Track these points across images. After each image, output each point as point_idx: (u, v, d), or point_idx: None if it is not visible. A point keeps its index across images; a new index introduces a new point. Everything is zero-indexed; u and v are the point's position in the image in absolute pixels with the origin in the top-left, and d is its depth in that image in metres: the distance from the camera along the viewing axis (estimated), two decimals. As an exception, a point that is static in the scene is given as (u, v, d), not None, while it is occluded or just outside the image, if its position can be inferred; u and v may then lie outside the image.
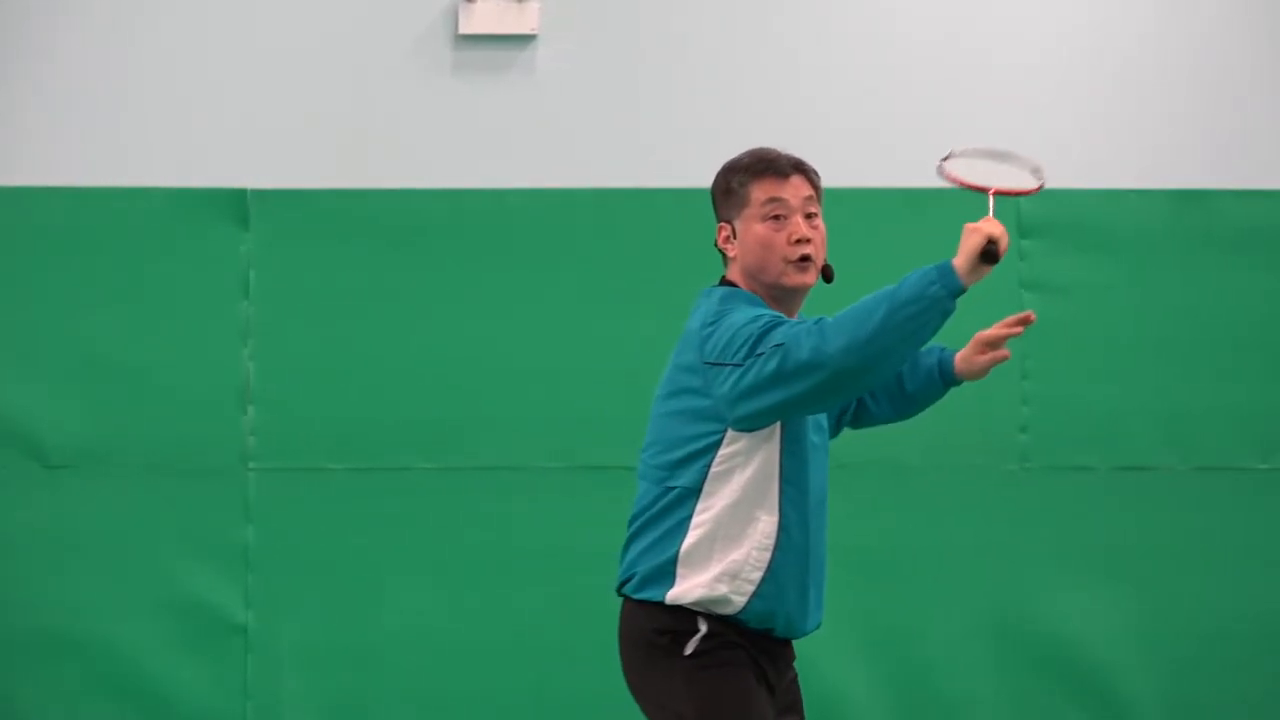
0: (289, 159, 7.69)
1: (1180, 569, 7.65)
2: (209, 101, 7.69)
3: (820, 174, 4.58)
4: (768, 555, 4.27)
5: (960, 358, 4.67)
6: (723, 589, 4.26)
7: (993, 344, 4.60)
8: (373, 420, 7.54)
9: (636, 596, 4.39)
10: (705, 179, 7.35)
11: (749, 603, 4.27)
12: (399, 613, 7.52)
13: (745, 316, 4.24)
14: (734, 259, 4.41)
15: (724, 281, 4.45)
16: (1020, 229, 7.67)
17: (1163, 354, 7.71)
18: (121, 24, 7.69)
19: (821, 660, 7.47)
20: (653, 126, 7.72)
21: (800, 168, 4.44)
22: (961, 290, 4.12)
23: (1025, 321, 4.53)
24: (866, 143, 7.79)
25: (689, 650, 4.29)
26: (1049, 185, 7.49)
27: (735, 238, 4.41)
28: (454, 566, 7.43)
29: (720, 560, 4.26)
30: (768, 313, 4.26)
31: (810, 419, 4.34)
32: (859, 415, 4.76)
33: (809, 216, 4.40)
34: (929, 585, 7.62)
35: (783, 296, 4.39)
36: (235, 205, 7.64)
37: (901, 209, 7.72)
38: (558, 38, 7.72)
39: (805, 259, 4.37)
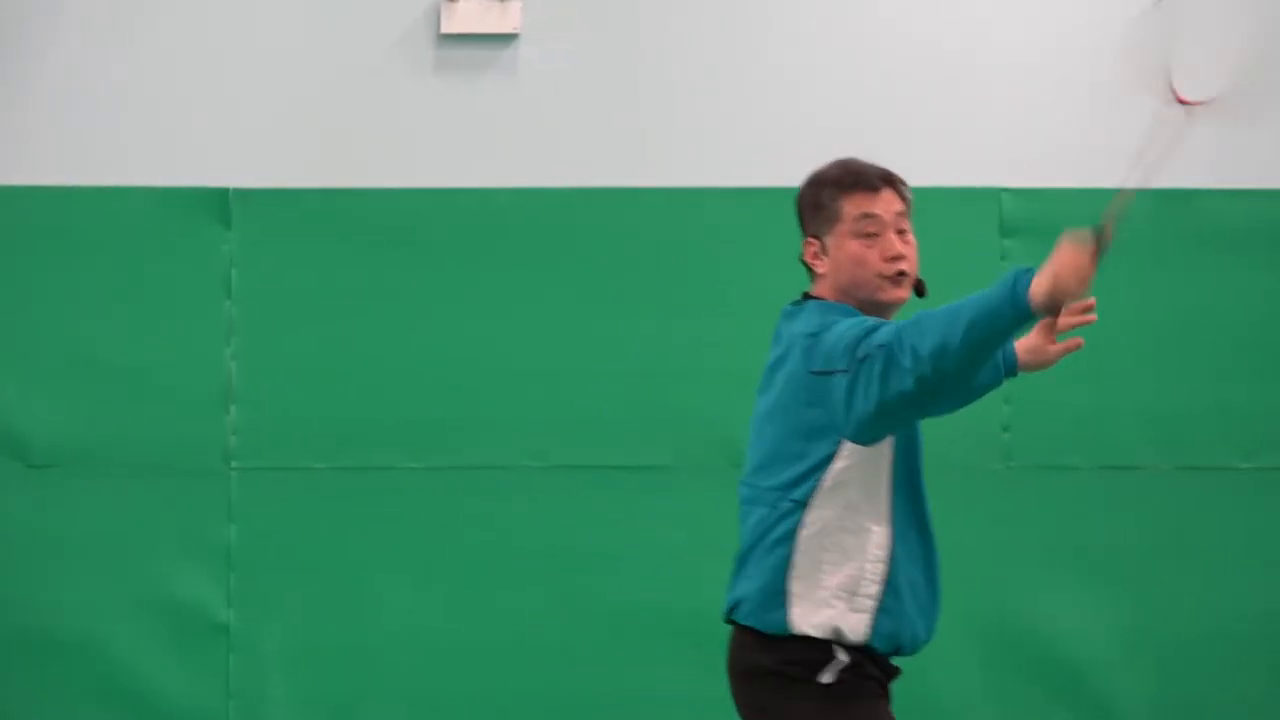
0: (271, 158, 7.71)
1: (1165, 569, 7.67)
2: (191, 101, 7.72)
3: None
4: (883, 568, 4.18)
5: (1025, 348, 4.60)
6: (841, 606, 4.14)
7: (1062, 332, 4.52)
8: (356, 420, 7.55)
9: (752, 624, 4.22)
10: (689, 177, 7.55)
11: (874, 621, 4.17)
12: (383, 613, 7.53)
13: (848, 323, 4.15)
14: (823, 275, 4.33)
15: (809, 296, 4.35)
16: (1002, 228, 7.71)
17: (1147, 353, 7.73)
18: (103, 24, 7.71)
19: (805, 660, 7.52)
20: (636, 125, 7.74)
21: (890, 180, 4.38)
22: (1031, 317, 3.92)
23: (1090, 308, 4.50)
24: (855, 142, 7.57)
25: (826, 679, 4.15)
26: (1036, 183, 7.61)
27: (825, 254, 4.32)
28: (438, 566, 7.45)
29: (833, 575, 4.15)
30: (868, 318, 4.16)
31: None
32: None
33: (900, 231, 4.34)
34: None
35: (876, 312, 4.30)
36: (217, 204, 7.65)
37: None
38: (540, 37, 7.73)
39: (901, 275, 4.30)
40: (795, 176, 7.58)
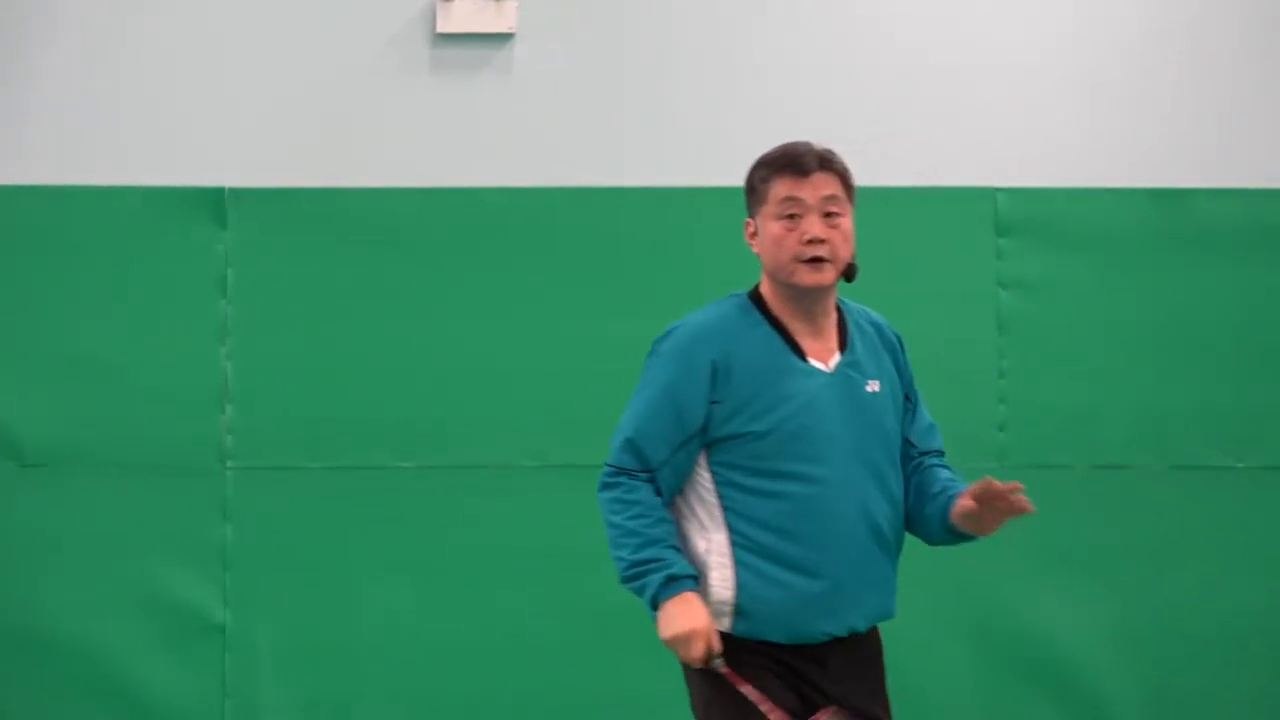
0: (267, 157, 7.71)
1: (1157, 567, 7.70)
2: (187, 100, 7.72)
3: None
4: (730, 574, 4.28)
5: (963, 514, 4.44)
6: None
7: (987, 499, 4.38)
8: (350, 419, 7.55)
9: None
10: (680, 177, 7.56)
11: (733, 624, 4.30)
12: (376, 611, 7.54)
13: (642, 395, 4.35)
14: (759, 256, 4.39)
15: (757, 285, 4.43)
16: (998, 227, 7.76)
17: (1139, 353, 7.76)
18: (99, 24, 7.71)
19: (799, 658, 7.54)
20: (629, 125, 7.75)
21: (826, 164, 4.36)
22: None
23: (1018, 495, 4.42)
24: (856, 141, 7.46)
25: None
26: (1032, 183, 7.64)
27: (758, 234, 4.38)
28: (431, 565, 7.46)
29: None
30: (637, 418, 4.35)
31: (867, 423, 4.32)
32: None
33: (828, 215, 4.33)
34: (906, 582, 7.38)
35: (800, 295, 4.35)
36: (213, 204, 7.66)
37: (880, 208, 7.41)
38: (535, 36, 7.74)
39: (817, 259, 4.30)
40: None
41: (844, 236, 4.35)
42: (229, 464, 7.60)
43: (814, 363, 4.37)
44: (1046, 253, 7.72)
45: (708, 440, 4.32)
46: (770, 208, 4.34)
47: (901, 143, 7.79)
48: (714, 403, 4.31)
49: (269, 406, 7.61)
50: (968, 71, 7.80)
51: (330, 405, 7.58)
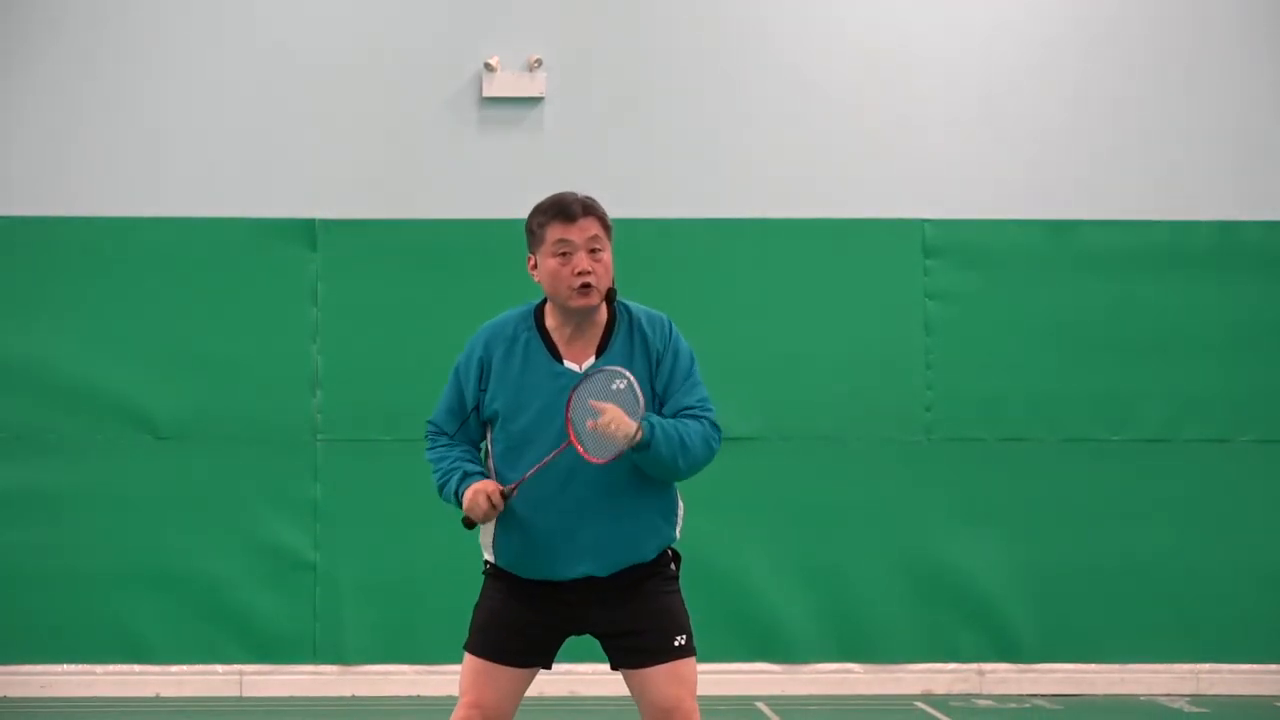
0: (349, 195, 8.34)
1: (1050, 519, 8.35)
2: (286, 150, 8.37)
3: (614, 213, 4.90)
4: (492, 527, 4.63)
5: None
6: (484, 540, 4.73)
7: None
8: (414, 402, 7.98)
9: None
10: (678, 211, 8.42)
11: (494, 556, 4.67)
12: (433, 553, 8.11)
13: (450, 380, 4.69)
14: (540, 284, 4.66)
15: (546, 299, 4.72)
16: (925, 251, 8.34)
17: (1038, 350, 8.37)
18: (228, 98, 8.41)
19: (769, 591, 8.31)
20: (634, 168, 8.45)
21: (589, 210, 4.61)
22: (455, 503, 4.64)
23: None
24: (811, 185, 8.41)
25: (482, 571, 4.79)
26: (951, 215, 8.43)
27: (538, 268, 4.64)
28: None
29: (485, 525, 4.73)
30: (441, 396, 4.68)
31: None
32: None
33: (593, 251, 4.57)
34: (854, 531, 8.31)
35: (572, 313, 4.60)
36: (306, 233, 8.32)
37: (833, 235, 8.36)
38: (560, 101, 8.42)
39: (586, 286, 4.55)
40: (757, 210, 8.46)
41: (605, 268, 4.59)
42: (319, 437, 8.27)
43: (568, 364, 4.62)
44: (964, 271, 8.37)
45: (482, 418, 4.64)
46: (547, 247, 4.58)
47: (852, 184, 8.42)
48: (481, 390, 4.65)
49: (350, 392, 8.26)
50: (904, 130, 8.44)
51: (399, 391, 8.17)
